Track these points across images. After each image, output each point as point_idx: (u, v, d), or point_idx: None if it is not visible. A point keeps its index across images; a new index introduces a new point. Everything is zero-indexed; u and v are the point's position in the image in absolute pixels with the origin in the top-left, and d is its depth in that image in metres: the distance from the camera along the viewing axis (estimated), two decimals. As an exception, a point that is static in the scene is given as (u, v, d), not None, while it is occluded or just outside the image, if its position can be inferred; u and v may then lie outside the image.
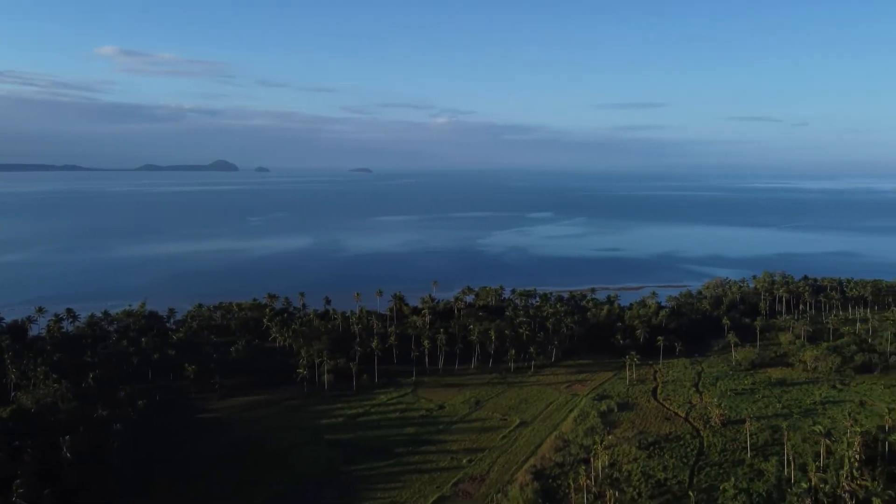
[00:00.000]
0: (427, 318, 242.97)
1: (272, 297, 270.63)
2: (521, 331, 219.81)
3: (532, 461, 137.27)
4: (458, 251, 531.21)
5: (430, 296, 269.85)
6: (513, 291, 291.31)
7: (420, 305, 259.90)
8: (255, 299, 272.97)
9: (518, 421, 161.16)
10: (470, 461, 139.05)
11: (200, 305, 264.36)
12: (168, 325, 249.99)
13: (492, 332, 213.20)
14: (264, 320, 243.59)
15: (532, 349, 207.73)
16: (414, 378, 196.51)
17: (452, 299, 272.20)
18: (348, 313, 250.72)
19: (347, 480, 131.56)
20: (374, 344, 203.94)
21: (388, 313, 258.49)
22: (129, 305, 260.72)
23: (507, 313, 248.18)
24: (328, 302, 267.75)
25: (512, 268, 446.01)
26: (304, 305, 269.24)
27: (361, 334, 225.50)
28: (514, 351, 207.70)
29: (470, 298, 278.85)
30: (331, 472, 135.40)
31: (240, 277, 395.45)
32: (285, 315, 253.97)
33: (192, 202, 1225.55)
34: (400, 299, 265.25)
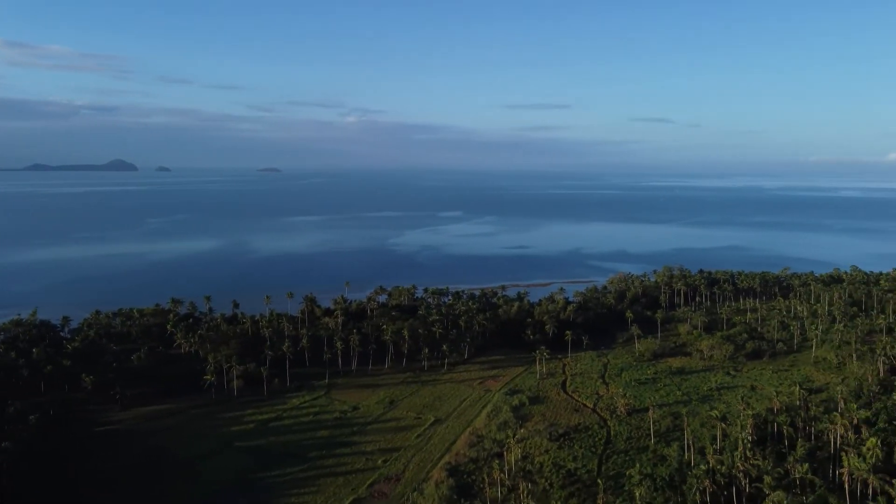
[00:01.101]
0: (340, 319, 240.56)
1: (176, 301, 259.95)
2: (434, 329, 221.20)
3: (447, 458, 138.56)
4: (371, 251, 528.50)
5: (342, 297, 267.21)
6: (425, 290, 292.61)
7: (332, 306, 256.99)
8: (157, 305, 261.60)
9: (432, 419, 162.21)
10: (385, 461, 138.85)
11: (98, 312, 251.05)
12: (63, 334, 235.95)
13: (405, 332, 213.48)
14: (168, 326, 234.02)
15: (445, 347, 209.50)
16: (327, 380, 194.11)
17: (365, 299, 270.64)
18: (258, 316, 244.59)
19: (260, 488, 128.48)
20: (285, 347, 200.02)
21: (299, 315, 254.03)
22: (18, 314, 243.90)
23: (420, 312, 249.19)
24: (236, 305, 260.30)
25: (424, 267, 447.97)
26: (210, 310, 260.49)
27: (272, 337, 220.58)
28: (427, 349, 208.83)
29: (383, 298, 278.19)
30: (242, 480, 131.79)
31: (141, 282, 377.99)
32: (191, 320, 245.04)
33: (86, 203, 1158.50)
34: (312, 301, 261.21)
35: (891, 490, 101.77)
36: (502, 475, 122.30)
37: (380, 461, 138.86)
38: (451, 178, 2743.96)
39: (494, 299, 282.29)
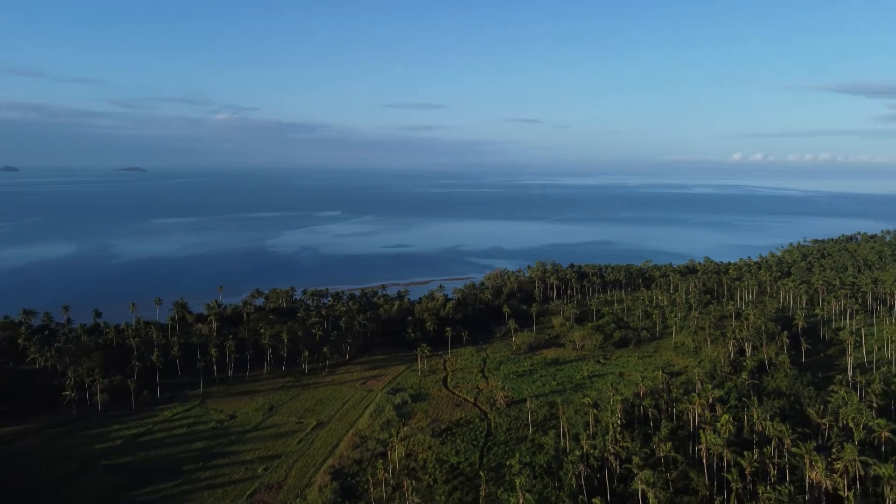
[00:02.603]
0: (214, 325, 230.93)
1: (28, 313, 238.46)
2: (314, 331, 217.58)
3: (330, 461, 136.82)
4: (246, 253, 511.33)
5: (216, 301, 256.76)
6: (304, 292, 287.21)
7: (206, 312, 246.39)
8: (6, 317, 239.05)
9: (314, 423, 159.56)
10: (266, 469, 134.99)
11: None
12: None
13: (284, 335, 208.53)
14: (20, 340, 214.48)
15: (326, 349, 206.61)
16: (202, 389, 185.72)
17: (241, 303, 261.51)
18: (123, 326, 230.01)
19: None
20: (154, 357, 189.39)
21: (169, 323, 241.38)
22: None
23: (299, 314, 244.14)
24: (98, 315, 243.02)
25: (303, 268, 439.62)
26: (69, 320, 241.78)
27: (140, 347, 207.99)
28: (307, 352, 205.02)
29: (259, 301, 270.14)
30: (111, 499, 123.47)
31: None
32: (46, 332, 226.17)
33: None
34: (182, 307, 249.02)
35: (742, 461, 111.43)
36: (386, 474, 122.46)
37: (260, 469, 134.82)
38: (330, 177, 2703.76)
39: (375, 299, 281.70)
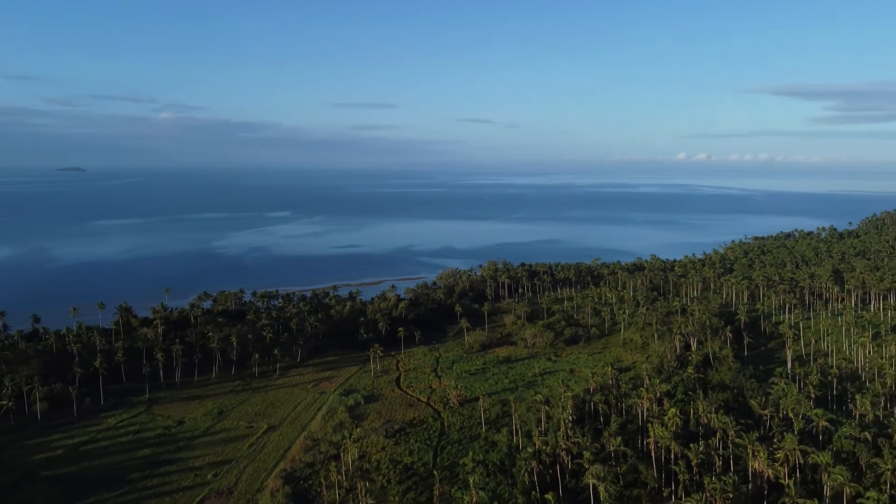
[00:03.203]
0: (160, 329, 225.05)
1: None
2: (264, 333, 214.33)
3: (282, 465, 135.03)
4: (193, 255, 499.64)
5: (162, 305, 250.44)
6: (254, 294, 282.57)
7: (151, 316, 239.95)
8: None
9: (266, 426, 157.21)
10: (216, 475, 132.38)
11: None
12: None
13: (233, 338, 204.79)
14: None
15: (277, 351, 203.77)
16: (147, 395, 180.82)
17: (188, 306, 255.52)
18: (63, 331, 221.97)
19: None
20: (97, 363, 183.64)
21: (113, 327, 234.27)
22: None
23: (249, 317, 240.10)
24: (37, 320, 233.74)
25: (252, 270, 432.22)
26: (5, 326, 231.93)
27: (81, 353, 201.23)
28: (257, 355, 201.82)
29: (207, 304, 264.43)
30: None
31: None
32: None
33: None
34: (127, 311, 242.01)
35: (689, 453, 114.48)
36: (339, 477, 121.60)
37: (209, 475, 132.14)
38: (279, 177, 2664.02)
39: (326, 300, 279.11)
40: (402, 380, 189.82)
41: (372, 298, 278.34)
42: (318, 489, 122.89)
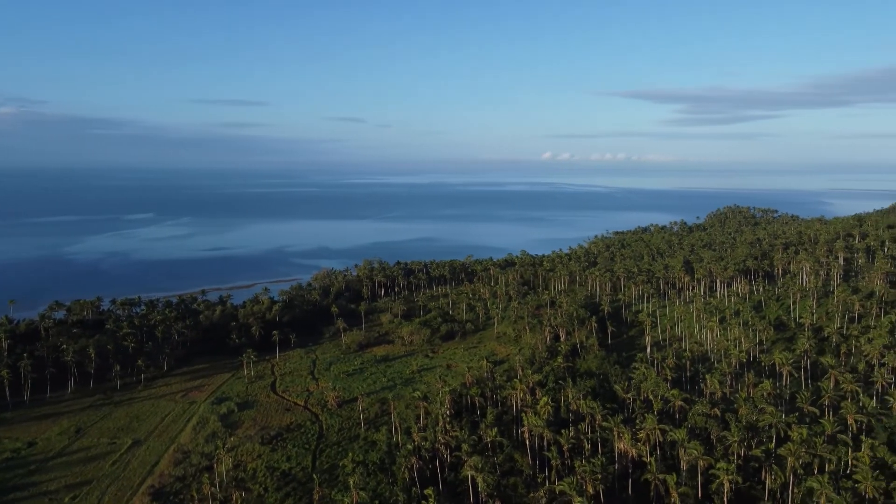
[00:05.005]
0: (4, 343, 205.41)
1: None
2: (126, 343, 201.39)
3: (149, 481, 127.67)
4: (42, 262, 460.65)
5: (6, 317, 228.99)
6: (113, 302, 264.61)
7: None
8: None
9: (130, 442, 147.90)
10: (74, 498, 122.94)
11: None
12: None
13: (90, 349, 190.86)
14: None
15: (141, 361, 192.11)
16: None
17: (37, 317, 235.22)
18: None
19: None
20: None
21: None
22: None
23: (109, 326, 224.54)
24: None
25: (111, 276, 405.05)
26: None
27: None
28: (119, 366, 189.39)
29: (60, 315, 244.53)
30: None
31: None
32: None
33: None
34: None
35: (560, 439, 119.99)
36: (213, 488, 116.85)
37: (67, 499, 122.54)
38: (140, 176, 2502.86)
39: (195, 305, 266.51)
40: (277, 384, 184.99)
41: (244, 302, 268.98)
42: (190, 503, 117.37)
